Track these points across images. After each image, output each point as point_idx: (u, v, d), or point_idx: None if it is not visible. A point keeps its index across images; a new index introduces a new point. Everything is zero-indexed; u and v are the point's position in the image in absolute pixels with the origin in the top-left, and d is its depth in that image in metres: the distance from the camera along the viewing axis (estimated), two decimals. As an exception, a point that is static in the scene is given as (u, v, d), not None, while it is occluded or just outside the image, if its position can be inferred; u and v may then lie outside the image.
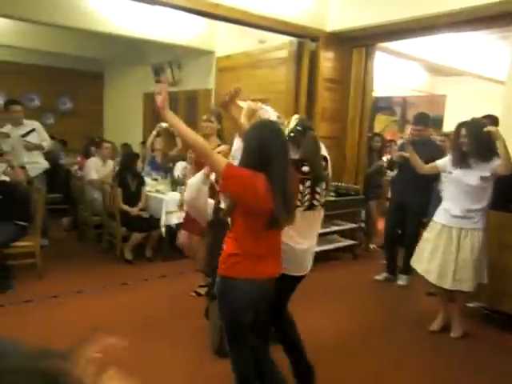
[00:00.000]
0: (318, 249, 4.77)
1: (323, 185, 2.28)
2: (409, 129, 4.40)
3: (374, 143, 5.59)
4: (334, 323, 3.54)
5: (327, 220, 5.14)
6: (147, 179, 5.26)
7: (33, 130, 5.10)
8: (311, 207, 2.26)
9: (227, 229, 2.08)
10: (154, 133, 5.72)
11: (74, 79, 8.62)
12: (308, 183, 2.22)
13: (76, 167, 6.11)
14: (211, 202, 3.02)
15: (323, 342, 3.18)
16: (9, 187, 4.03)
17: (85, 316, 3.41)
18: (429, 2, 4.09)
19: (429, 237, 3.39)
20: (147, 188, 5.07)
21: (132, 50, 7.37)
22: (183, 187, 5.08)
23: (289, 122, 2.30)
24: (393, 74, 7.62)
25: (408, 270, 4.46)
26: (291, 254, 2.24)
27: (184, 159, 5.81)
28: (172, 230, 4.71)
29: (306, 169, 2.20)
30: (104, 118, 9.12)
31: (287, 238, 2.19)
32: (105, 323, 3.29)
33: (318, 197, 2.27)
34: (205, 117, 3.79)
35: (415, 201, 4.27)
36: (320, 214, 2.36)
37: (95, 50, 7.39)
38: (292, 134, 2.24)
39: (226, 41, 6.09)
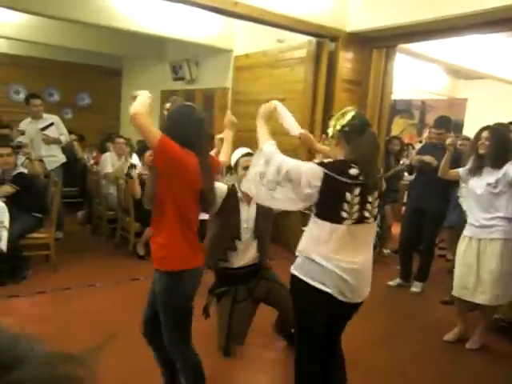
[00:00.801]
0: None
1: (376, 193, 1.94)
2: (427, 132, 4.31)
3: (391, 146, 5.51)
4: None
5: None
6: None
7: (52, 124, 5.17)
8: (361, 220, 1.89)
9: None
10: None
11: (93, 75, 8.71)
12: (357, 190, 1.85)
13: (92, 162, 6.17)
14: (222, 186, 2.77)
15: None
16: (27, 179, 4.09)
17: (96, 309, 3.43)
18: (453, 2, 4.00)
19: (459, 253, 3.27)
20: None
21: (150, 47, 7.41)
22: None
23: (343, 115, 1.95)
24: (412, 77, 7.51)
25: (423, 276, 4.39)
26: (337, 275, 1.88)
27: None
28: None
29: (354, 172, 1.84)
30: (121, 114, 9.19)
31: (329, 255, 1.88)
32: (115, 318, 3.31)
33: (369, 207, 1.91)
34: None
35: (433, 206, 4.19)
36: (372, 228, 2.00)
37: (114, 46, 7.44)
38: (346, 129, 1.92)
39: (244, 39, 6.08)
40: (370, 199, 1.91)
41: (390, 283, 4.53)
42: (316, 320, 1.99)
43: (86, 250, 4.94)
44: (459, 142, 5.24)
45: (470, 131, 6.51)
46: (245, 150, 2.78)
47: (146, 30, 5.63)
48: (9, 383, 0.34)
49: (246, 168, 2.50)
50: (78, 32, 6.70)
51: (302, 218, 4.99)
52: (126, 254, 4.78)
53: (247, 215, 2.77)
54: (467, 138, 5.73)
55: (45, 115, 5.13)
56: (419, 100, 8.15)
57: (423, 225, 4.30)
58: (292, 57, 5.31)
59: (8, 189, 3.93)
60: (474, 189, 3.15)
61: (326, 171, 1.83)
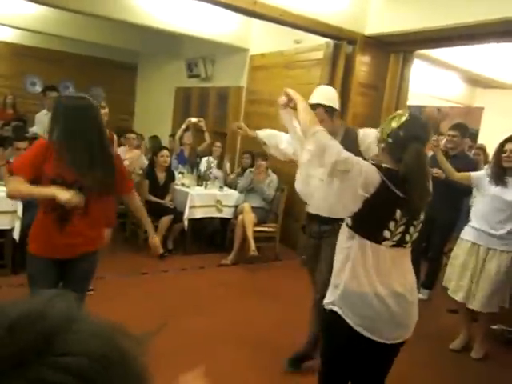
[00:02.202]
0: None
1: (422, 216, 1.72)
2: (443, 140, 4.25)
3: None
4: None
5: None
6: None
7: None
8: (400, 244, 1.66)
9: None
10: (183, 127, 5.76)
11: (108, 69, 8.77)
12: (404, 211, 1.62)
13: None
14: None
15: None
16: (41, 170, 4.12)
17: (105, 302, 3.44)
18: (474, 9, 3.96)
19: (458, 254, 3.27)
20: (173, 181, 5.10)
21: (167, 44, 7.44)
22: (208, 182, 5.10)
23: (391, 120, 1.66)
24: (428, 83, 7.44)
25: (430, 284, 4.36)
26: (378, 307, 1.64)
27: (210, 154, 5.84)
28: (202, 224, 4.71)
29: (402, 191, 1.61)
30: (135, 110, 9.25)
31: (368, 283, 1.64)
32: (123, 310, 3.32)
33: (412, 231, 1.68)
34: None
35: (444, 215, 4.14)
36: (408, 254, 1.76)
37: (131, 41, 7.49)
38: (390, 140, 1.63)
39: (261, 39, 6.08)
40: (415, 222, 1.68)
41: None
42: (343, 360, 1.77)
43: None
44: (473, 151, 5.18)
45: (485, 140, 6.45)
46: (312, 96, 2.68)
47: (163, 27, 5.66)
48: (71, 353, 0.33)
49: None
50: (96, 26, 6.75)
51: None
52: (135, 248, 4.80)
53: None
54: (482, 147, 5.68)
55: None
56: (434, 107, 8.08)
57: (433, 233, 4.26)
58: (308, 58, 5.30)
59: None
60: (504, 196, 3.04)
61: (384, 178, 1.57)
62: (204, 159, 5.72)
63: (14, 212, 3.73)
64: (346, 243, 1.69)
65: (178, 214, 4.78)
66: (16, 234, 3.71)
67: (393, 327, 1.67)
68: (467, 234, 3.22)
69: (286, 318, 3.59)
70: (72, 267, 2.22)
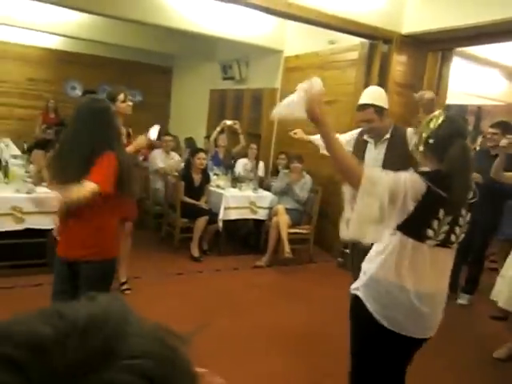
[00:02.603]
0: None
1: (468, 216, 1.72)
2: (480, 138, 4.11)
3: None
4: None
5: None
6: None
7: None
8: (445, 244, 1.67)
9: None
10: (218, 129, 5.81)
11: (145, 73, 8.97)
12: (447, 210, 1.63)
13: (141, 157, 6.33)
14: None
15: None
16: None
17: (140, 300, 3.52)
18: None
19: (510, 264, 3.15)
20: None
21: (201, 46, 7.53)
22: (242, 184, 5.13)
23: (429, 122, 1.70)
24: (468, 81, 7.21)
25: (471, 289, 4.23)
26: (402, 301, 1.67)
27: (246, 156, 5.87)
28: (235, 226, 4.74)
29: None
30: (171, 112, 9.41)
31: (403, 278, 1.66)
32: (157, 308, 3.39)
33: (458, 231, 1.68)
34: None
35: (486, 217, 3.99)
36: (452, 255, 1.75)
37: (167, 45, 7.62)
38: (430, 141, 1.67)
39: (295, 40, 6.06)
40: (461, 222, 1.68)
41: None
42: (375, 345, 1.77)
43: (132, 243, 5.06)
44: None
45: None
46: (361, 98, 2.96)
47: (198, 30, 5.73)
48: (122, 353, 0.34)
49: (357, 123, 2.94)
50: (133, 31, 6.92)
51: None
52: (171, 248, 4.88)
53: (374, 155, 3.00)
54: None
55: None
56: (475, 105, 7.82)
57: (474, 236, 4.12)
58: (344, 59, 5.25)
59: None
60: None
61: (429, 184, 1.59)
62: (240, 161, 5.76)
63: (55, 212, 3.85)
64: (388, 237, 1.70)
65: (212, 216, 4.83)
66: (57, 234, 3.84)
67: (415, 322, 1.69)
68: None
69: (320, 320, 3.57)
70: (77, 271, 2.26)
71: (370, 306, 1.71)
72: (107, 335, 0.34)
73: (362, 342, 1.82)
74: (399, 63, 4.98)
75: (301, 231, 4.93)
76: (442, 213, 1.62)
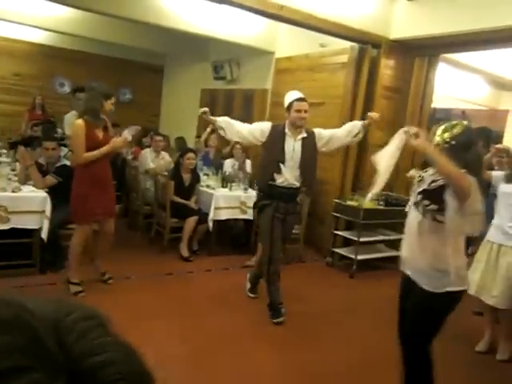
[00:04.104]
0: (362, 257, 4.76)
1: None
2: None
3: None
4: (374, 334, 3.49)
5: (374, 228, 5.08)
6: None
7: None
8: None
9: None
10: (209, 130, 5.83)
11: (135, 71, 8.91)
12: None
13: (131, 156, 6.31)
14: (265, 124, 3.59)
15: (360, 353, 3.15)
16: (69, 171, 4.20)
17: (130, 301, 3.54)
18: (500, 13, 3.93)
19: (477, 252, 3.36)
20: (197, 182, 5.18)
21: (193, 46, 7.53)
22: (233, 184, 5.16)
23: (452, 127, 2.04)
24: (453, 85, 7.37)
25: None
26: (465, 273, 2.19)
27: (232, 156, 5.89)
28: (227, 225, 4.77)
29: None
30: (161, 111, 9.37)
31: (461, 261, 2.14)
32: (148, 309, 3.41)
33: None
34: None
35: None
36: None
37: (158, 43, 7.60)
38: (453, 143, 2.00)
39: (287, 42, 6.12)
40: None
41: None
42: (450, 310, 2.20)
43: (122, 243, 5.03)
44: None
45: (510, 143, 6.35)
46: (298, 94, 3.44)
47: (190, 29, 5.74)
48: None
49: (299, 111, 3.34)
50: (124, 28, 6.88)
51: (334, 222, 5.00)
52: (160, 249, 4.89)
53: (292, 147, 3.42)
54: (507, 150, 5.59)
55: None
56: (459, 109, 7.99)
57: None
58: (334, 62, 5.32)
59: (51, 180, 4.03)
60: (508, 194, 3.17)
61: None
62: (227, 161, 5.77)
63: (43, 212, 3.75)
64: (444, 235, 2.06)
65: (202, 216, 4.85)
66: (44, 234, 3.73)
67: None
68: (488, 233, 3.28)
69: (310, 318, 3.62)
70: None
71: (448, 287, 2.09)
72: (39, 315, 0.36)
73: (436, 317, 2.22)
74: (387, 67, 5.08)
75: (290, 231, 4.98)
76: None
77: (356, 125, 3.59)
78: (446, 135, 2.01)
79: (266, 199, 3.45)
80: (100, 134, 3.48)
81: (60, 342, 0.34)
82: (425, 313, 2.21)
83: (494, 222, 3.23)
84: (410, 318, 2.26)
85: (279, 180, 3.40)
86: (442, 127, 2.06)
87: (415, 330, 2.27)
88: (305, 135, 3.47)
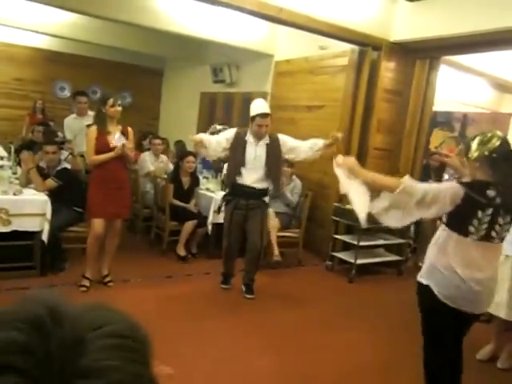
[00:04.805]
0: (361, 261, 4.72)
1: (508, 217, 2.08)
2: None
3: (431, 162, 5.40)
4: (372, 340, 3.44)
5: (374, 233, 5.04)
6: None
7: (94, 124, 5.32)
8: (486, 239, 2.05)
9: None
10: (208, 134, 5.79)
11: (135, 75, 8.93)
12: (489, 211, 2.02)
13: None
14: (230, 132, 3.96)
15: (358, 358, 3.11)
16: (69, 174, 4.22)
17: (129, 303, 3.51)
18: (505, 14, 3.89)
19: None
20: (197, 186, 5.16)
21: (192, 50, 7.53)
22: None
23: (489, 139, 2.06)
24: (454, 88, 7.34)
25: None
26: (455, 282, 2.08)
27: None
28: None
29: (491, 193, 2.01)
30: (160, 114, 9.38)
31: (451, 265, 2.09)
32: (146, 312, 3.38)
33: (498, 229, 2.06)
34: None
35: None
36: (498, 249, 2.18)
37: (157, 47, 7.60)
38: (494, 155, 2.03)
39: (286, 45, 6.10)
40: (500, 221, 2.05)
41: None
42: (439, 320, 2.18)
43: (122, 246, 4.99)
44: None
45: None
46: (262, 108, 3.76)
47: (189, 33, 5.74)
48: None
49: (260, 126, 3.65)
50: (123, 32, 6.89)
51: (334, 226, 4.97)
52: (160, 251, 4.87)
53: (254, 152, 3.73)
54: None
55: (90, 112, 5.26)
56: (461, 113, 7.95)
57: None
58: (333, 64, 5.30)
59: (51, 183, 4.06)
60: None
61: (467, 191, 2.01)
62: (226, 164, 5.75)
63: (44, 214, 3.82)
64: (440, 233, 2.16)
65: (202, 219, 4.83)
66: (45, 236, 3.79)
67: (467, 300, 2.09)
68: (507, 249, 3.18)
69: (309, 322, 3.59)
70: None
71: (433, 287, 2.12)
72: (69, 321, 0.37)
73: (429, 320, 2.23)
74: (388, 70, 5.05)
75: (290, 235, 4.96)
76: (480, 214, 2.01)
77: (318, 143, 3.76)
78: (485, 148, 2.04)
79: (229, 195, 3.91)
80: (113, 139, 3.66)
81: (68, 354, 0.35)
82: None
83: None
84: None
85: (240, 181, 3.76)
86: (477, 140, 2.07)
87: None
88: (267, 141, 3.76)
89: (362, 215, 2.29)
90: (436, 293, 2.11)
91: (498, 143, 2.04)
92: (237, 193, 3.82)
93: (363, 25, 4.70)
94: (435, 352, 2.24)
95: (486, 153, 2.03)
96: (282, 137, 3.83)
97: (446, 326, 2.19)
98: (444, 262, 2.09)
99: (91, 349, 0.36)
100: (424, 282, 2.18)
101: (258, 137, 3.75)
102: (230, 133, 3.86)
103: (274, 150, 3.76)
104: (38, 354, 0.34)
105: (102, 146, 3.63)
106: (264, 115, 3.70)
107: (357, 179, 2.28)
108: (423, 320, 2.26)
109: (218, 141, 3.79)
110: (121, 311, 0.43)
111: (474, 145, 2.08)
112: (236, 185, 3.80)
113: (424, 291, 2.18)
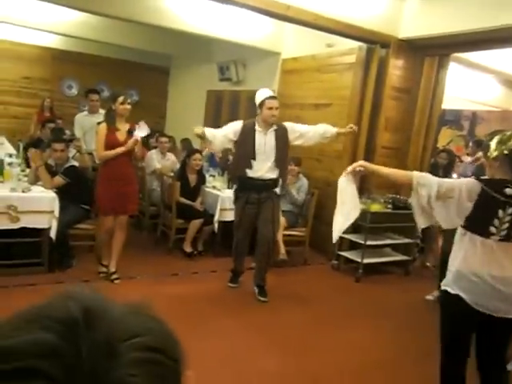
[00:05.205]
0: (368, 261, 4.70)
1: None
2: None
3: (439, 159, 5.36)
4: (378, 339, 3.42)
5: (381, 232, 5.01)
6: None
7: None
8: (509, 239, 1.99)
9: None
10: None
11: (141, 73, 8.95)
12: (510, 210, 1.96)
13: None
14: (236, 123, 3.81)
15: (367, 359, 3.09)
16: (77, 172, 4.24)
17: (134, 300, 3.52)
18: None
19: None
20: (203, 184, 5.16)
21: (199, 47, 7.53)
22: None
23: (509, 138, 2.02)
24: (463, 86, 7.27)
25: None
26: (484, 287, 2.04)
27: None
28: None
29: (509, 191, 1.95)
30: (167, 112, 9.39)
31: (477, 268, 2.04)
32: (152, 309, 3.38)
33: (500, 224, 2.03)
34: None
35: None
36: None
37: (164, 45, 7.61)
38: None
39: (293, 43, 6.07)
40: None
41: (428, 297, 4.40)
42: (465, 327, 2.13)
43: (128, 243, 5.01)
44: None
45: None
46: (269, 92, 3.68)
47: (195, 31, 5.73)
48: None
49: (271, 108, 3.55)
50: (130, 30, 6.90)
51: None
52: (166, 249, 4.87)
53: (264, 142, 3.64)
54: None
55: (101, 110, 5.25)
56: (470, 111, 7.88)
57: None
58: (341, 62, 5.27)
59: (59, 180, 4.09)
60: None
61: (484, 187, 1.97)
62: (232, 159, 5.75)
63: (52, 212, 3.84)
64: (461, 238, 2.09)
65: (208, 217, 4.83)
66: (53, 234, 3.82)
67: (497, 302, 2.01)
68: None
69: (315, 322, 3.58)
70: None
71: (463, 295, 2.05)
72: (105, 324, 0.36)
73: (454, 328, 2.17)
74: (396, 67, 5.01)
75: (296, 233, 4.94)
76: (501, 213, 1.96)
77: (330, 130, 3.78)
78: (505, 147, 2.00)
79: (239, 191, 3.79)
80: (122, 136, 3.74)
81: (99, 364, 0.33)
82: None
83: None
84: None
85: (250, 174, 3.66)
86: (497, 139, 2.04)
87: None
88: (275, 128, 3.68)
89: (335, 234, 2.41)
90: (468, 301, 2.05)
91: None
92: (247, 187, 3.73)
93: (371, 22, 4.66)
94: (455, 359, 2.20)
95: (506, 152, 1.98)
96: (289, 124, 3.76)
97: (470, 332, 2.15)
98: (471, 267, 2.04)
99: (122, 361, 0.34)
100: (451, 291, 2.11)
101: (268, 122, 3.65)
102: (237, 125, 3.74)
103: (282, 137, 3.69)
104: (66, 359, 0.33)
105: (112, 143, 3.71)
106: (273, 97, 3.65)
107: (354, 186, 2.37)
108: (447, 327, 2.20)
109: (224, 134, 3.73)
110: (159, 318, 0.42)
111: (493, 144, 2.04)
112: (246, 178, 3.70)
113: (451, 300, 2.12)
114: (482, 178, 2.07)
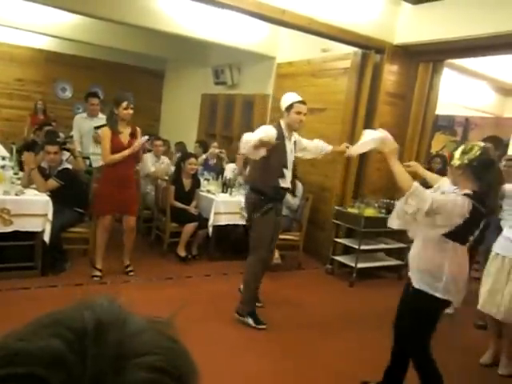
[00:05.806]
0: (362, 265, 4.70)
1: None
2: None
3: (433, 165, 5.38)
4: (372, 344, 3.42)
5: (375, 237, 5.02)
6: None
7: (105, 125, 5.30)
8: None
9: None
10: (204, 156, 5.83)
11: (136, 76, 8.92)
12: (483, 221, 2.23)
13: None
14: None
15: (361, 363, 3.08)
16: (71, 175, 4.21)
17: (128, 304, 3.49)
18: (509, 18, 3.88)
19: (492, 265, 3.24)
20: (198, 187, 5.15)
21: (194, 51, 7.52)
22: (233, 189, 5.13)
23: (470, 149, 2.19)
24: (456, 92, 7.32)
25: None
26: (461, 284, 2.30)
27: (234, 161, 5.87)
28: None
29: (488, 202, 2.17)
30: (161, 116, 9.37)
31: (466, 271, 2.30)
32: (145, 313, 3.36)
33: (476, 232, 2.29)
34: None
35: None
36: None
37: (159, 48, 7.60)
38: (475, 164, 2.16)
39: (288, 47, 6.09)
40: (480, 225, 2.26)
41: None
42: (437, 315, 2.34)
43: (122, 246, 5.03)
44: (503, 163, 5.05)
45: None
46: (298, 96, 3.44)
47: (190, 34, 5.73)
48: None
49: (299, 113, 3.34)
50: (125, 33, 6.88)
51: (334, 229, 4.95)
52: (160, 253, 4.85)
53: (290, 150, 3.48)
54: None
55: (101, 115, 5.20)
56: (463, 117, 7.94)
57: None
58: (336, 67, 5.29)
59: (53, 183, 4.05)
60: None
61: (475, 203, 2.10)
62: (229, 166, 5.74)
63: (45, 215, 3.81)
64: (443, 246, 2.21)
65: (202, 221, 4.82)
66: (46, 237, 3.80)
67: (461, 295, 2.32)
68: (496, 244, 3.20)
69: (309, 326, 3.57)
70: None
71: (452, 299, 2.27)
72: (115, 339, 0.35)
73: (433, 325, 2.34)
74: (391, 73, 5.04)
75: (290, 237, 4.94)
76: (481, 224, 2.19)
77: (326, 148, 3.73)
78: (466, 157, 2.15)
79: (269, 202, 3.39)
80: (125, 139, 3.83)
81: (103, 379, 0.33)
82: (412, 312, 2.39)
83: (505, 234, 3.14)
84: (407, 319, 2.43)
85: (282, 184, 3.43)
86: (460, 150, 2.20)
87: (410, 330, 2.43)
88: (296, 137, 3.57)
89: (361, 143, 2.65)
90: (454, 303, 2.34)
91: (478, 153, 2.15)
92: (277, 198, 3.45)
93: (366, 27, 4.68)
94: (427, 345, 2.39)
95: (466, 161, 2.15)
96: (297, 137, 3.61)
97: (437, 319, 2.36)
98: (461, 272, 2.24)
99: (126, 379, 0.33)
100: (442, 297, 2.26)
101: (294, 127, 3.42)
102: (271, 130, 3.32)
103: (295, 144, 3.55)
104: (69, 370, 0.32)
105: (116, 146, 3.79)
106: (302, 102, 3.39)
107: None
108: (430, 327, 2.35)
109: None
110: (176, 338, 0.40)
111: (457, 153, 2.20)
112: (278, 189, 3.41)
113: (440, 306, 2.31)
114: (467, 193, 2.16)
